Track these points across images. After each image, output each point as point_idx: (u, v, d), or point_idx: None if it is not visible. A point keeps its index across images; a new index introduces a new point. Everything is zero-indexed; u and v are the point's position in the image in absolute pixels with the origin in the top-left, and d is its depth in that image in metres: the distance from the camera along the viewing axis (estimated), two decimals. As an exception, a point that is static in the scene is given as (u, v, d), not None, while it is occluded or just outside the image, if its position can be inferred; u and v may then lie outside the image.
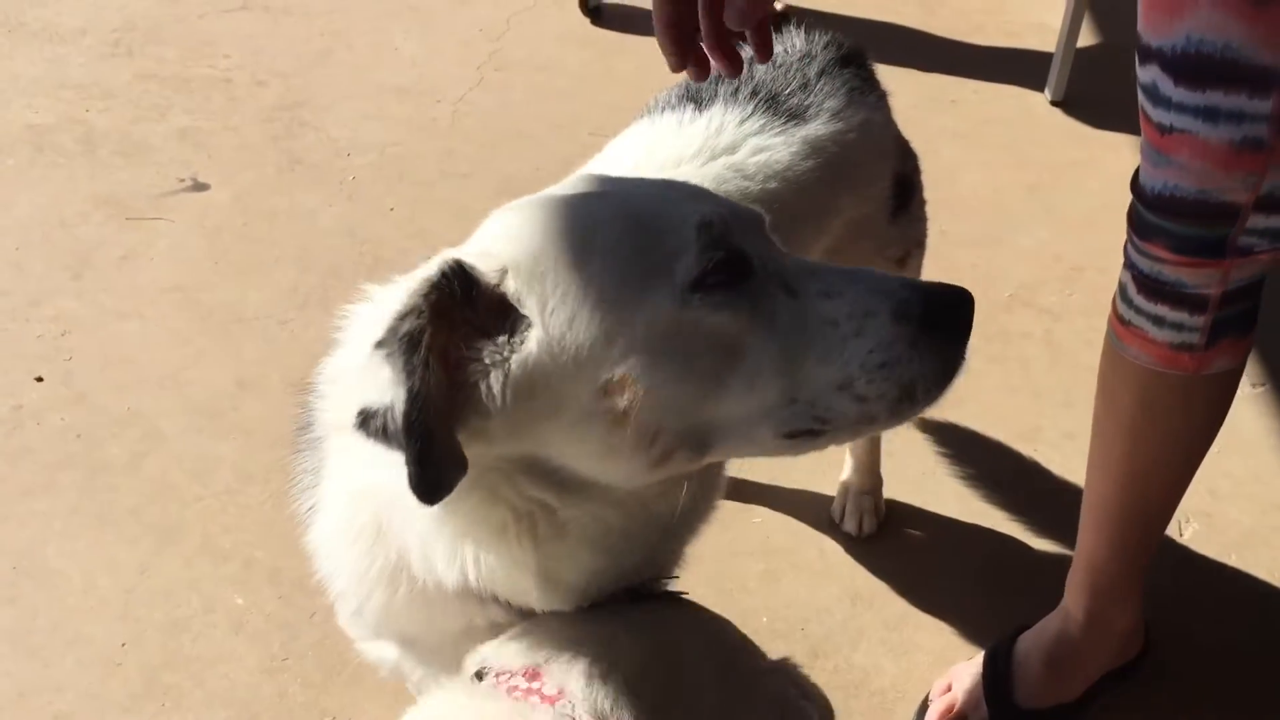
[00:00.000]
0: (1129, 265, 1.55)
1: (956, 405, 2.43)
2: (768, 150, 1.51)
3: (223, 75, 3.30)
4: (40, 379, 2.38)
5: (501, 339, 0.96)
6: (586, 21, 3.65)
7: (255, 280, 2.67)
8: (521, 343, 0.95)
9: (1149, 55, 1.38)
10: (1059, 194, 3.06)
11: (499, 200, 3.27)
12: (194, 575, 2.06)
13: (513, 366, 0.95)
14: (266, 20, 3.56)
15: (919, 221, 1.84)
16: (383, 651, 1.30)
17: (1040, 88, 3.41)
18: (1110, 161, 3.17)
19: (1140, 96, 1.43)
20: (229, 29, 3.51)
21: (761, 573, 2.12)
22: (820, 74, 1.62)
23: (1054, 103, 3.38)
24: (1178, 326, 1.51)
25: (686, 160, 1.48)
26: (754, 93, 1.57)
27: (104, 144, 3.02)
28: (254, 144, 3.07)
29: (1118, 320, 1.60)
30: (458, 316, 0.94)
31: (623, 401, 0.94)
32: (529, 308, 0.96)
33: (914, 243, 1.83)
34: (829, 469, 2.23)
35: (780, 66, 1.61)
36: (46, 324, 2.51)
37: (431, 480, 0.90)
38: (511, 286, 0.97)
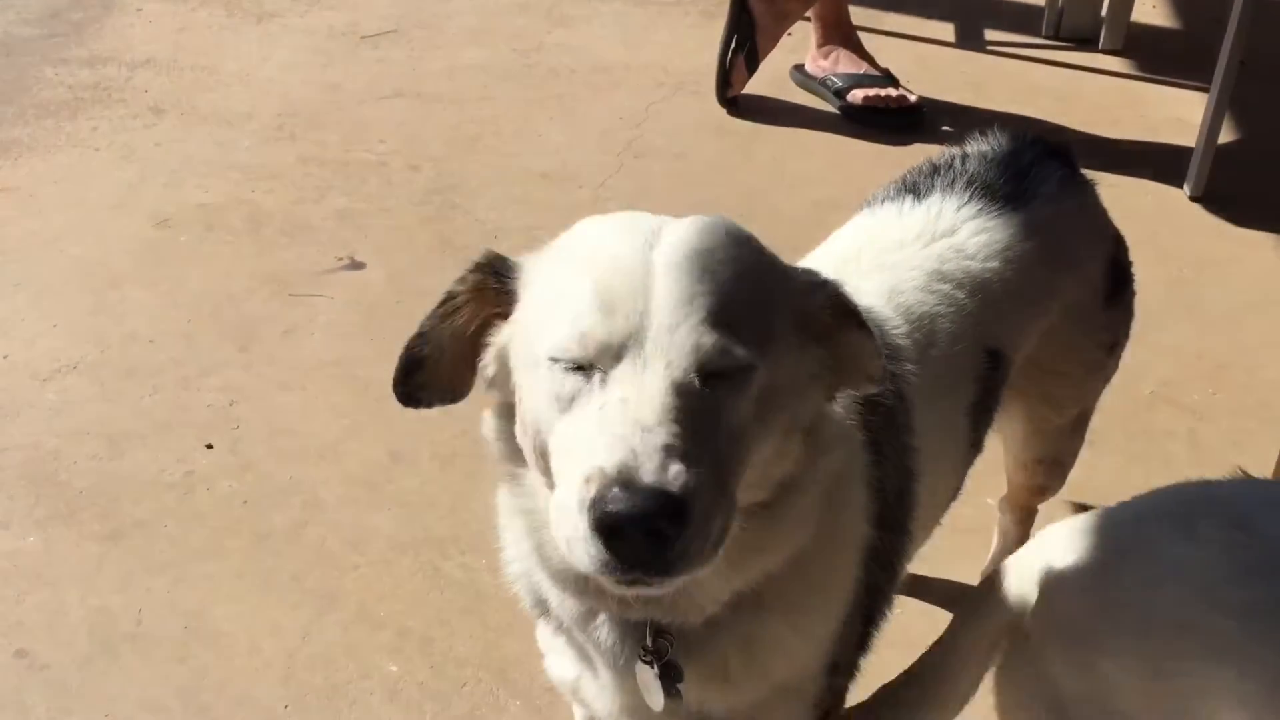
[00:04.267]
0: None
1: (1098, 499, 2.41)
2: (987, 231, 1.59)
3: (379, 159, 3.48)
4: (210, 446, 2.52)
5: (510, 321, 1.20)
6: (723, 112, 3.75)
7: (408, 357, 2.78)
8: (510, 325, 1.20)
9: None
10: (1200, 290, 3.04)
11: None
12: (351, 642, 2.14)
13: (500, 339, 1.21)
14: (420, 107, 3.74)
15: (1129, 312, 1.89)
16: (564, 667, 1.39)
17: (1179, 183, 3.40)
18: (1253, 259, 3.15)
19: None
20: (385, 115, 3.69)
21: (904, 664, 2.12)
22: (1031, 164, 1.70)
23: (1193, 198, 3.36)
24: None
25: (908, 244, 1.58)
26: (969, 182, 1.65)
27: (269, 223, 3.19)
28: (407, 225, 3.22)
29: None
30: (492, 293, 1.20)
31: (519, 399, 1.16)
32: (520, 304, 1.19)
33: (1123, 333, 1.88)
34: (973, 559, 2.24)
35: (991, 161, 1.70)
36: (215, 394, 2.65)
37: (405, 393, 1.22)
38: (520, 285, 1.19)
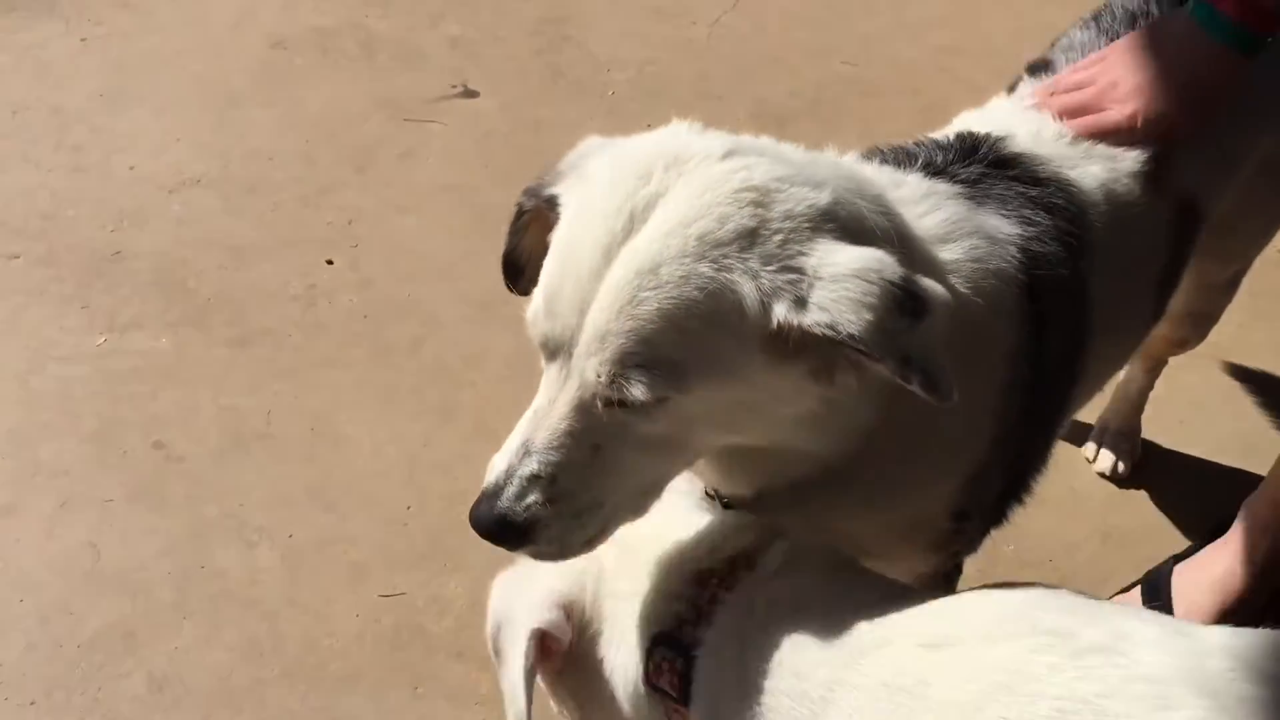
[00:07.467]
0: None
1: (1220, 356, 2.39)
2: None
3: (492, -12, 3.43)
4: (331, 262, 2.56)
5: None
6: (842, -49, 3.63)
7: (522, 185, 2.78)
8: None
9: None
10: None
11: (752, 124, 3.29)
12: (470, 453, 2.20)
13: None
14: (532, -63, 3.67)
15: None
16: None
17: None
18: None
19: None
20: (497, -56, 3.62)
21: (1011, 502, 2.14)
22: None
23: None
24: None
25: None
26: None
27: (382, 49, 3.19)
28: (520, 55, 3.19)
29: None
30: (547, 214, 1.22)
31: None
32: None
33: None
34: (1090, 407, 2.22)
35: None
36: (335, 212, 2.69)
37: (521, 291, 1.27)
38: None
